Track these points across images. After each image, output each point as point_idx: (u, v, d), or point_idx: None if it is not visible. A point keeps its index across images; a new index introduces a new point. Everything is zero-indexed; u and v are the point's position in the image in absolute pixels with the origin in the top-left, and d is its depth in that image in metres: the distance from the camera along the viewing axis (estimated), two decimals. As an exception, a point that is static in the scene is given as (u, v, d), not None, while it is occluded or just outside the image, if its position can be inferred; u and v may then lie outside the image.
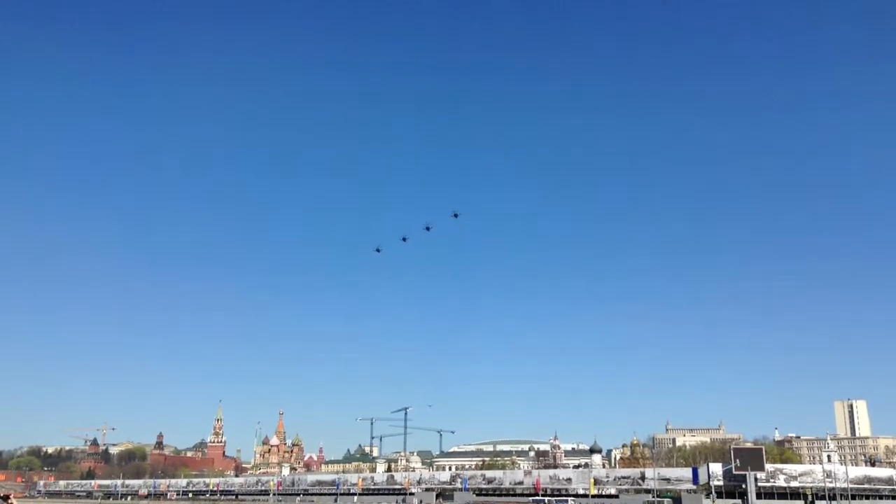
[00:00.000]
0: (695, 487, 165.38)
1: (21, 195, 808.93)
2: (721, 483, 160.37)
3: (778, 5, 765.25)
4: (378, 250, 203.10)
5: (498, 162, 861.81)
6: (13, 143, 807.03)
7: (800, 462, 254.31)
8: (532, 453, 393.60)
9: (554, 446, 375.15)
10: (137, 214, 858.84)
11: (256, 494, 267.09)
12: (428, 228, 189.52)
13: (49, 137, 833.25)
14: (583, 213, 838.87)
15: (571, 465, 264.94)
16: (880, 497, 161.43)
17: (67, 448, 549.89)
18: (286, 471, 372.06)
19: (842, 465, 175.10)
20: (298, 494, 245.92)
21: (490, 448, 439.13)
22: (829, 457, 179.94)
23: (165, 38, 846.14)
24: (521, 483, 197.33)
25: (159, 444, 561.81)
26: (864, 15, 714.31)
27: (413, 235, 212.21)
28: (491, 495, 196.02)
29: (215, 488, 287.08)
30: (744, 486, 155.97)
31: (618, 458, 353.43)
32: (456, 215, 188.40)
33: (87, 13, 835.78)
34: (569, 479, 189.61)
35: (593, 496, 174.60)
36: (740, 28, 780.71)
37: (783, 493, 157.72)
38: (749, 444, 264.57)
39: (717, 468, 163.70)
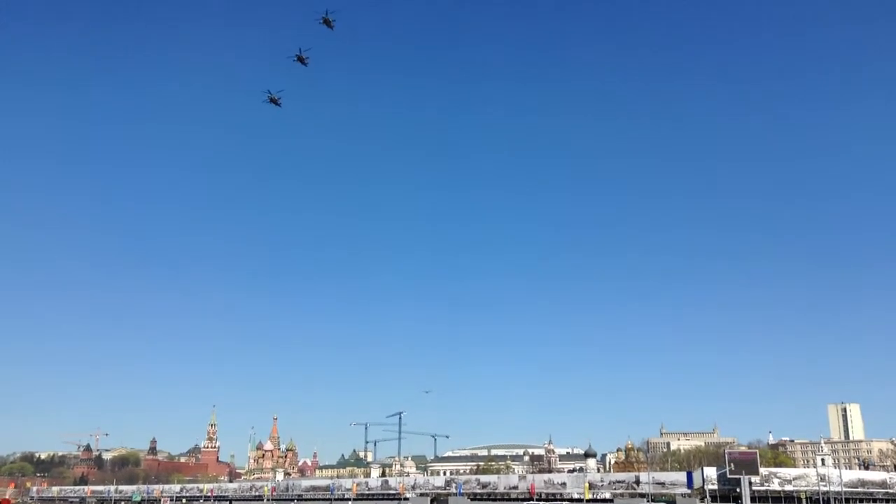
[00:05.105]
0: (689, 491, 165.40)
1: (11, 197, 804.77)
2: (716, 487, 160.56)
3: (776, 4, 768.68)
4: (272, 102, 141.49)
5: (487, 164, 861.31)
6: (8, 146, 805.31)
7: (794, 466, 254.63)
8: (527, 458, 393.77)
9: (548, 451, 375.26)
10: (129, 217, 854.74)
11: (250, 500, 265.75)
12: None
13: (42, 140, 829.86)
14: (577, 216, 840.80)
15: (566, 470, 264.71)
16: (874, 500, 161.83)
17: (60, 454, 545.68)
18: (280, 476, 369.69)
19: (836, 468, 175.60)
20: (293, 500, 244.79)
21: (485, 453, 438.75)
22: (823, 460, 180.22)
23: (158, 37, 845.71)
24: (515, 488, 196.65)
25: (153, 450, 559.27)
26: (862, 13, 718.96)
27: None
28: (486, 500, 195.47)
29: (209, 494, 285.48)
30: (738, 490, 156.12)
31: (612, 462, 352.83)
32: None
33: (73, 9, 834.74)
34: (563, 484, 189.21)
35: (588, 501, 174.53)
36: (739, 27, 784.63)
37: (777, 497, 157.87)
38: (743, 448, 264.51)
39: (711, 472, 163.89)
